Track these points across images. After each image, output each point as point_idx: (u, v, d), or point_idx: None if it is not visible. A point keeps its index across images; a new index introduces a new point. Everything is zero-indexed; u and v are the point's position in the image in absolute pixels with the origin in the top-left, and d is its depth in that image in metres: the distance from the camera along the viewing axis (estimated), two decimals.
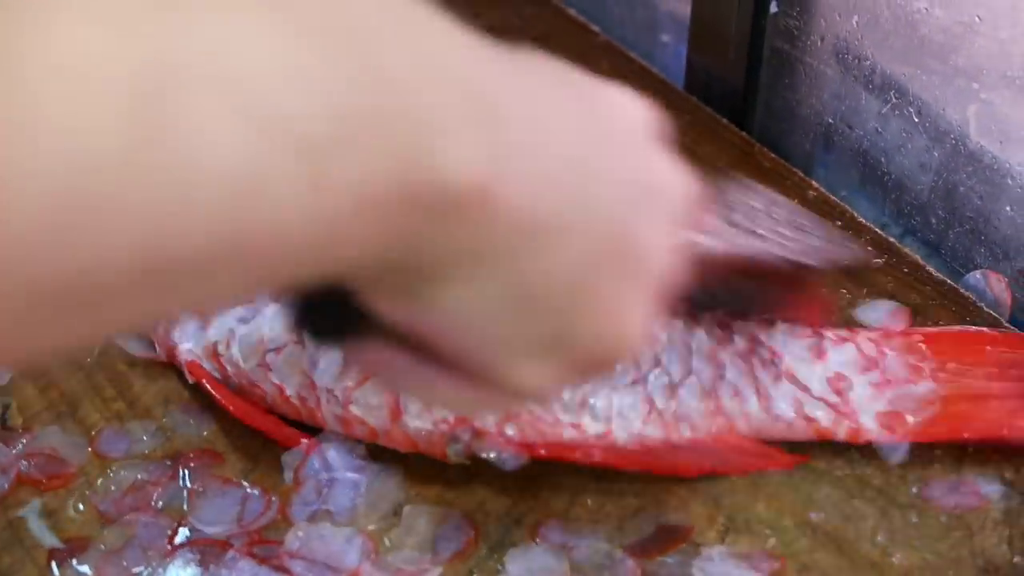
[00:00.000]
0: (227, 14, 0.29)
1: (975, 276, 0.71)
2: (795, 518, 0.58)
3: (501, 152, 0.35)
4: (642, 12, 0.96)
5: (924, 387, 0.61)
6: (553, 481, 0.59)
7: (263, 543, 0.56)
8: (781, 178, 0.78)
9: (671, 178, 0.43)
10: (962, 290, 0.69)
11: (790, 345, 0.62)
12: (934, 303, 0.69)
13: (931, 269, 0.71)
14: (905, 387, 0.61)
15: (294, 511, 0.57)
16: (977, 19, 0.67)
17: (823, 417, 0.60)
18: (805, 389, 0.60)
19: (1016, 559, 0.56)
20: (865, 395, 0.61)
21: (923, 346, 0.63)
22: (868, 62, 0.75)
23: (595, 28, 0.93)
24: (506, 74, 0.37)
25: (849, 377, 0.61)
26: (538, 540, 0.56)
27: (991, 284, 0.70)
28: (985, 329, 0.65)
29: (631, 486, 0.59)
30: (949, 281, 0.70)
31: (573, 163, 0.38)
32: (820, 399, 0.60)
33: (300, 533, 0.56)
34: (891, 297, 0.69)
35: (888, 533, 0.57)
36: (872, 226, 0.73)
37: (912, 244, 0.75)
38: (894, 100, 0.74)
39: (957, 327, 0.66)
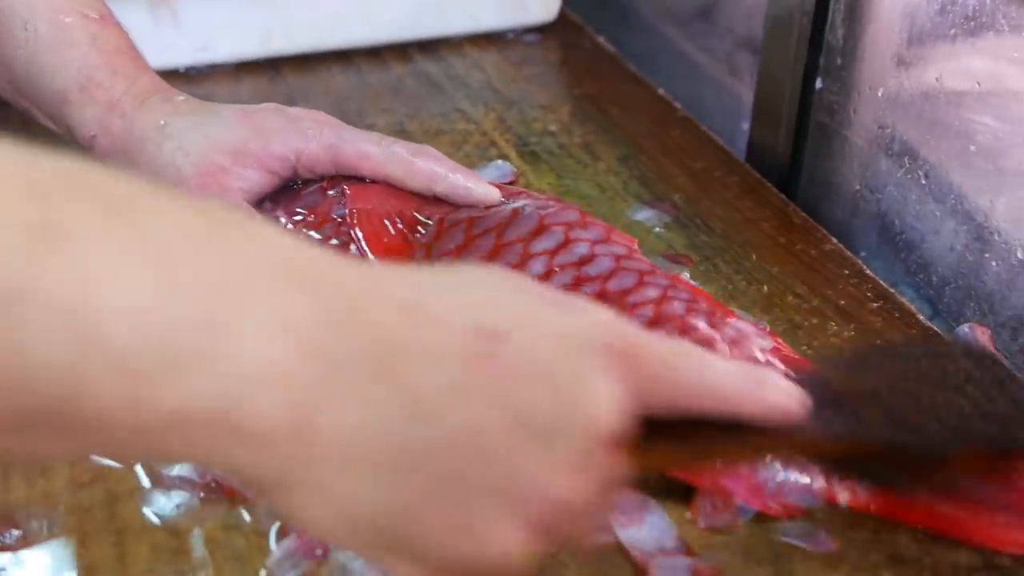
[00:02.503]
0: (87, 248, 0.34)
1: (964, 329, 0.72)
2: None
3: (323, 383, 0.37)
4: (729, 102, 1.02)
5: None
6: None
7: None
8: (806, 232, 0.82)
9: (582, 412, 0.41)
10: (944, 337, 0.72)
11: None
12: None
13: (921, 317, 0.73)
14: None
15: None
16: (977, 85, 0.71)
17: None
18: None
19: (922, 557, 0.57)
20: None
21: None
22: (889, 131, 0.79)
23: (677, 105, 0.99)
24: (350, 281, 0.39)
25: None
26: None
27: (977, 336, 0.72)
28: None
29: None
30: (935, 328, 0.72)
31: (414, 405, 0.38)
32: None
33: None
34: (877, 335, 0.71)
35: (807, 516, 0.59)
36: (876, 277, 0.76)
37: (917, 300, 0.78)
38: (907, 165, 0.77)
39: None
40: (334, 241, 0.69)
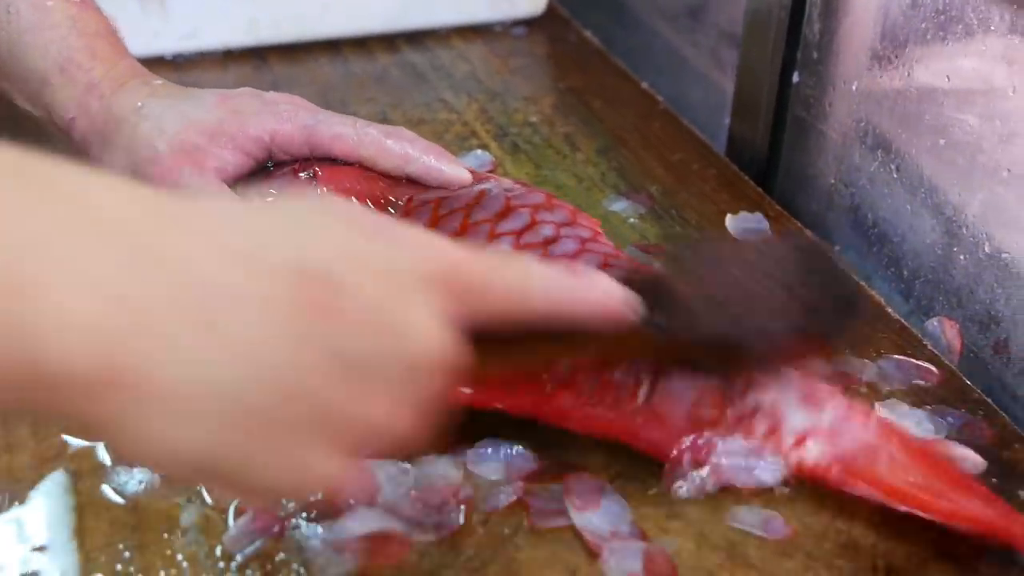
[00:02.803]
0: None
1: (933, 323, 0.72)
2: None
3: (137, 331, 0.38)
4: (713, 97, 1.02)
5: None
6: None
7: None
8: (780, 225, 0.81)
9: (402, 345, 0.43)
10: (912, 330, 0.71)
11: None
12: (882, 335, 0.71)
13: (890, 310, 0.73)
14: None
15: None
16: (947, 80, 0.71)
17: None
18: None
19: (877, 544, 0.57)
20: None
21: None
22: (863, 125, 0.79)
23: (660, 99, 0.99)
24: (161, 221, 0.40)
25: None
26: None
27: (946, 330, 0.72)
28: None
29: (545, 427, 0.62)
30: (903, 321, 0.72)
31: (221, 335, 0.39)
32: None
33: None
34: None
35: (765, 501, 0.59)
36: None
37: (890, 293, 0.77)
38: (881, 159, 0.77)
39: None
40: None
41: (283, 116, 0.72)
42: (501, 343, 0.49)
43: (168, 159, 0.70)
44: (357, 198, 0.69)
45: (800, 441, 0.58)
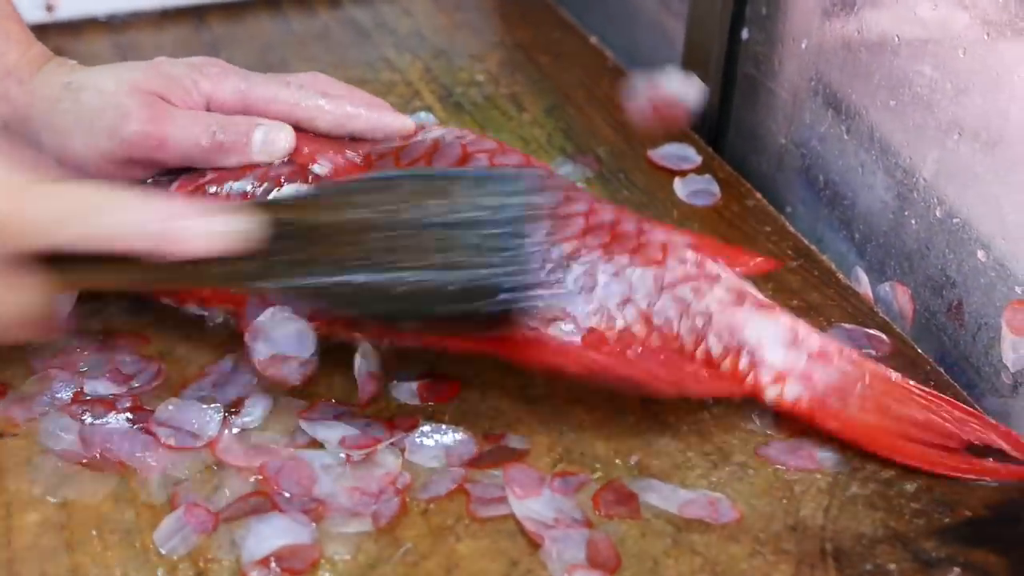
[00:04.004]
0: None
1: (885, 288, 0.70)
2: (627, 459, 0.59)
3: None
4: (665, 51, 0.98)
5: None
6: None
7: (139, 409, 0.60)
8: (730, 187, 0.79)
9: None
10: (861, 294, 0.69)
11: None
12: (832, 303, 0.69)
13: (840, 275, 0.71)
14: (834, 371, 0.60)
15: (186, 393, 0.62)
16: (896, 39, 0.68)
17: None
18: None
19: (826, 526, 0.55)
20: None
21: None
22: (814, 84, 0.76)
23: (608, 54, 0.96)
24: None
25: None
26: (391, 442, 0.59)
27: (897, 295, 0.70)
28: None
29: (486, 411, 0.61)
30: (853, 287, 0.70)
31: None
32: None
33: (170, 406, 0.59)
34: (794, 294, 0.69)
35: (712, 484, 0.57)
36: (798, 234, 0.74)
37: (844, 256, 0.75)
38: (832, 118, 0.74)
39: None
40: (260, 190, 0.66)
41: (214, 79, 0.69)
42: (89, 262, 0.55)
43: (144, 110, 0.66)
44: (318, 154, 0.66)
45: (778, 379, 0.59)
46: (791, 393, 0.59)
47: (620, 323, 0.59)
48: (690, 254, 0.61)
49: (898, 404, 0.59)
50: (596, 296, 0.59)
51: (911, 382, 0.60)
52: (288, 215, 0.57)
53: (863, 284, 0.70)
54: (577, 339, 0.58)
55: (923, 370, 0.64)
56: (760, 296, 0.61)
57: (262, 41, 0.97)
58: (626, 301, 0.59)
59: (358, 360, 0.61)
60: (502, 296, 0.54)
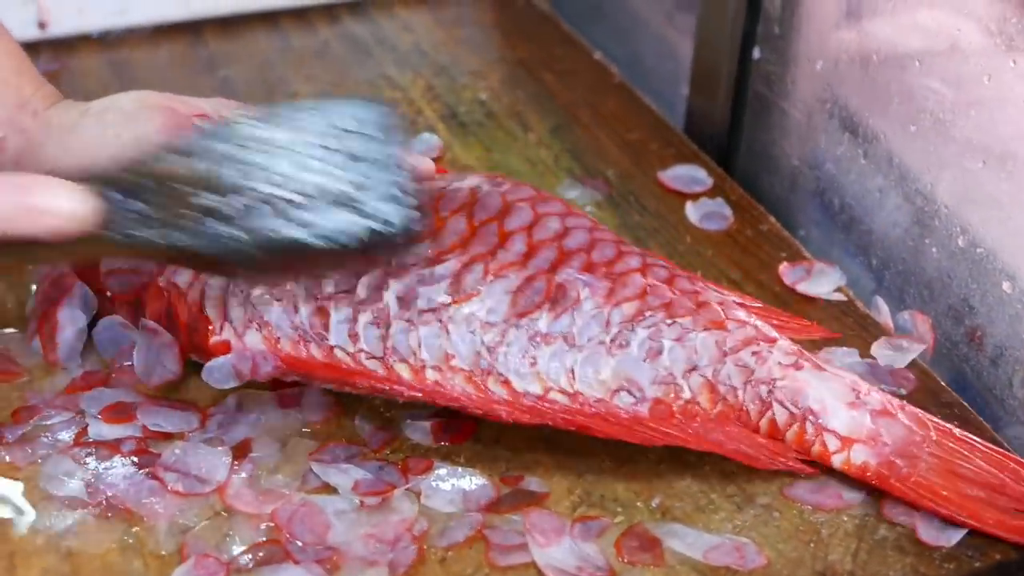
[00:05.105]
0: None
1: (904, 316, 0.69)
2: (648, 502, 0.57)
3: None
4: (670, 65, 0.97)
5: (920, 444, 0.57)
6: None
7: (144, 452, 0.58)
8: (743, 210, 0.77)
9: None
10: (881, 323, 0.68)
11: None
12: (852, 333, 0.67)
13: (859, 304, 0.69)
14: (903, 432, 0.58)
15: (192, 434, 0.59)
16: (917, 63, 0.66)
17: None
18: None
19: (855, 572, 0.54)
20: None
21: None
22: (829, 105, 0.74)
23: (614, 70, 0.94)
24: None
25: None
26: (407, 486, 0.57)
27: (917, 324, 0.68)
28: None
29: (502, 451, 0.59)
30: (871, 315, 0.69)
31: None
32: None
33: (177, 449, 0.57)
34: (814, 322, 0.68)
35: (736, 528, 0.56)
36: (813, 260, 0.72)
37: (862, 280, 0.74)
38: (848, 141, 0.73)
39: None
40: None
41: (211, 102, 0.68)
42: None
43: (170, 118, 0.64)
44: None
45: (845, 445, 0.57)
46: (858, 458, 0.57)
47: (687, 393, 0.57)
48: (742, 313, 0.60)
49: (966, 463, 0.57)
50: (661, 363, 0.57)
51: (973, 437, 0.58)
52: (131, 177, 0.53)
53: (883, 313, 0.68)
54: (644, 410, 0.57)
55: (943, 400, 0.63)
56: (813, 358, 0.60)
57: (260, 58, 0.94)
58: (692, 369, 0.57)
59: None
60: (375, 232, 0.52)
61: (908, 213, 0.69)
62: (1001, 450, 0.58)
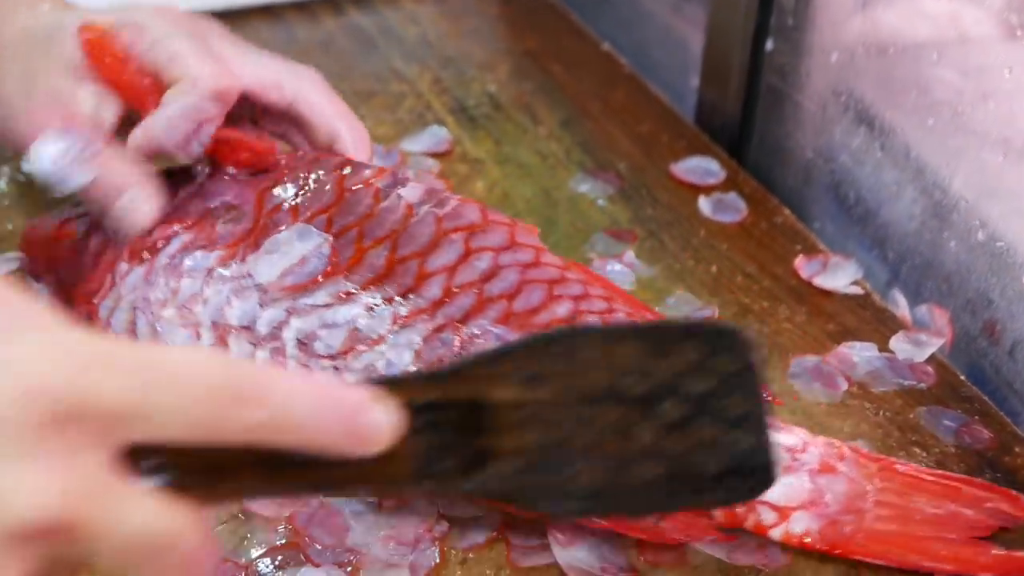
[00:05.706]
0: None
1: (922, 310, 0.68)
2: None
3: None
4: (679, 56, 0.96)
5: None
6: None
7: None
8: (757, 203, 0.77)
9: None
10: (899, 316, 0.67)
11: None
12: (870, 327, 0.67)
13: (876, 298, 0.69)
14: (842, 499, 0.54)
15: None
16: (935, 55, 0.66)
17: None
18: None
19: None
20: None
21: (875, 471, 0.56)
22: (844, 97, 0.73)
23: (623, 61, 0.93)
24: None
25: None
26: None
27: (935, 318, 0.67)
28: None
29: None
30: (888, 308, 0.68)
31: None
32: None
33: None
34: (829, 318, 0.67)
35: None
36: (829, 253, 0.72)
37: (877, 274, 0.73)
38: (863, 133, 0.72)
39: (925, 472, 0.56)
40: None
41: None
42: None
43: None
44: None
45: (782, 517, 0.53)
46: (799, 527, 0.53)
47: None
48: None
49: (914, 501, 0.54)
50: None
51: (917, 467, 0.56)
52: (435, 395, 0.39)
53: (901, 307, 0.67)
54: None
55: (964, 395, 0.62)
56: None
57: (264, 51, 0.93)
58: None
59: None
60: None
61: (925, 207, 0.69)
62: (948, 474, 0.56)
